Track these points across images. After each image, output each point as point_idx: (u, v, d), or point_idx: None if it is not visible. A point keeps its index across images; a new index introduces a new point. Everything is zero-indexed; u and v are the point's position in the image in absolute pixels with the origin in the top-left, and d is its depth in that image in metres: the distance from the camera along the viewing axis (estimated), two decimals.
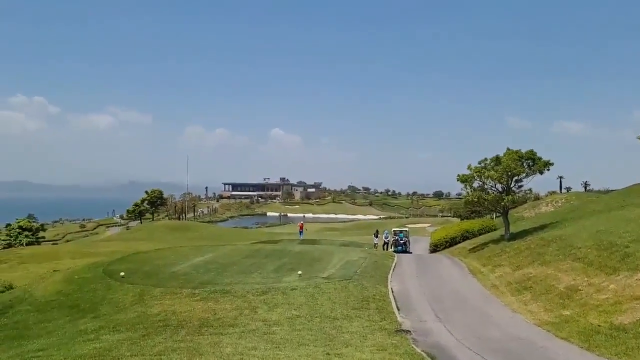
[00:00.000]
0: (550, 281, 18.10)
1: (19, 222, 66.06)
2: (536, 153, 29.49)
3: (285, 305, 15.48)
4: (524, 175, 29.69)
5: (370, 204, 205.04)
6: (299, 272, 20.43)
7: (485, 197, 29.84)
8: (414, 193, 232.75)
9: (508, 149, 29.97)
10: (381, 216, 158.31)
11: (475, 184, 30.81)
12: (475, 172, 29.98)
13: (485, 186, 30.62)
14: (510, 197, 29.12)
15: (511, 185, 29.88)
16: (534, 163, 29.42)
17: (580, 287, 16.37)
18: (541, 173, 29.81)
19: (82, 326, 14.10)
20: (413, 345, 12.11)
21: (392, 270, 24.46)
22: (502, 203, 29.31)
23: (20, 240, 61.80)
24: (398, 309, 16.21)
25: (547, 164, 29.47)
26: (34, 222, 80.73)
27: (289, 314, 14.52)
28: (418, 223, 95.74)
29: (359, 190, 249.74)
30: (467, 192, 30.98)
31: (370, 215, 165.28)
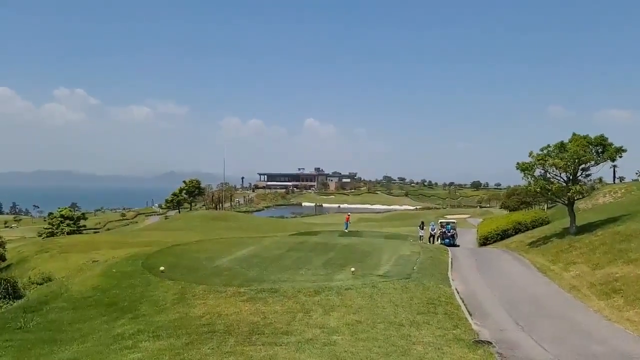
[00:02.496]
0: None
1: (60, 210, 66.74)
2: (607, 138, 26.58)
3: (342, 308, 13.68)
4: (592, 163, 26.87)
5: (406, 195, 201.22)
6: (352, 269, 18.58)
7: (549, 187, 27.16)
8: (451, 183, 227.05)
9: (574, 134, 27.12)
10: (417, 207, 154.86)
11: (536, 173, 28.19)
12: (538, 160, 27.30)
13: (548, 175, 27.96)
14: (577, 187, 26.39)
15: (578, 174, 27.12)
16: (604, 150, 26.54)
17: None
18: (613, 160, 26.97)
19: (119, 329, 12.73)
20: None
21: (450, 266, 22.34)
22: (569, 194, 26.59)
23: (62, 229, 62.44)
24: (470, 314, 14.14)
25: (619, 151, 26.51)
26: (76, 210, 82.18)
27: (348, 319, 12.71)
28: (457, 214, 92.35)
29: (395, 180, 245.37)
30: (529, 182, 28.28)
31: (406, 206, 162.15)
